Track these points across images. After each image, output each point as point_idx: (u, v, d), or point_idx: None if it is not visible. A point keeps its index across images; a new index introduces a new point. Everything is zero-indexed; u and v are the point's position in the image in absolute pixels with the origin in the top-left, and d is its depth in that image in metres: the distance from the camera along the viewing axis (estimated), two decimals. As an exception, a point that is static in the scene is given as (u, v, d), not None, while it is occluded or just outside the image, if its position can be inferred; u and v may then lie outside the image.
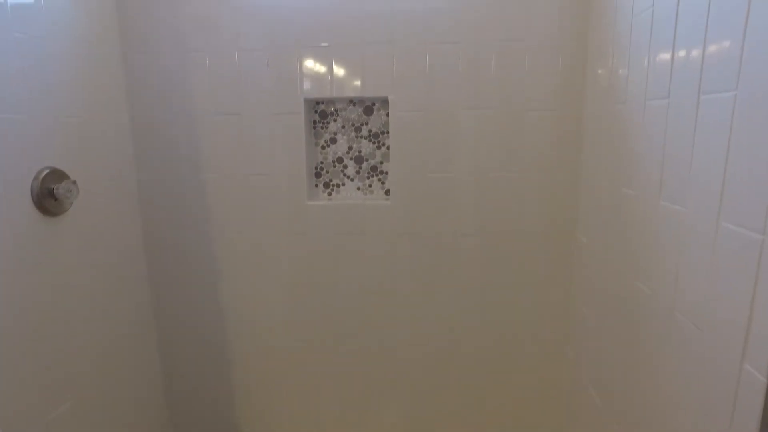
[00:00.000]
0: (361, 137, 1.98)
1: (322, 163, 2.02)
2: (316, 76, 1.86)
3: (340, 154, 2.01)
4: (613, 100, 1.50)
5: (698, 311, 1.00)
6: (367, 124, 1.97)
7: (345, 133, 1.99)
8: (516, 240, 1.89)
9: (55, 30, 1.59)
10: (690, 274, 1.03)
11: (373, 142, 1.98)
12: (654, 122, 1.22)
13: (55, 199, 1.55)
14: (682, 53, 1.08)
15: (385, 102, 1.91)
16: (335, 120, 1.98)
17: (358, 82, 1.85)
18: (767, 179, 0.79)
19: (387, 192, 2.00)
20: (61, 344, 1.60)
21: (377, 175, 2.01)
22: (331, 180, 2.03)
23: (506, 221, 1.88)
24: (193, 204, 1.98)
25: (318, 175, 2.03)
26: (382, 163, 1.99)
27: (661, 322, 1.16)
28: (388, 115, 1.89)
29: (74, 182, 1.58)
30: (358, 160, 2.00)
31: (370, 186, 2.02)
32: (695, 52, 1.02)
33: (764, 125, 0.79)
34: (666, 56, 1.15)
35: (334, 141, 2.00)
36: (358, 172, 2.01)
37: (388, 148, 1.95)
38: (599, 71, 1.63)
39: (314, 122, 1.99)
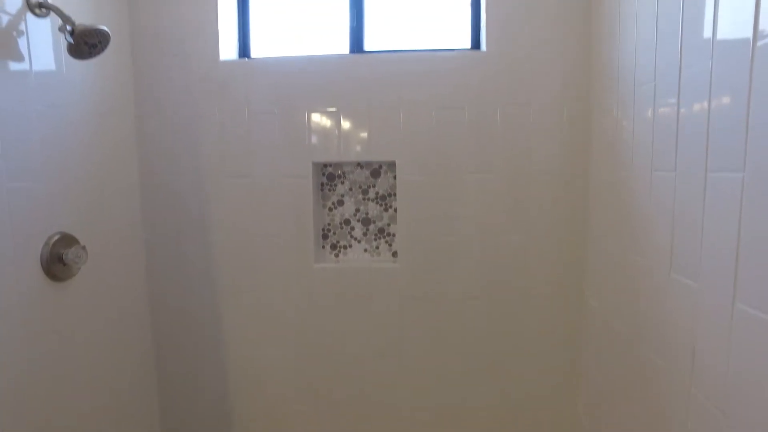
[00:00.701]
0: (369, 199, 2.01)
1: (329, 224, 2.04)
2: (324, 140, 1.90)
3: (347, 216, 2.02)
4: (619, 167, 1.52)
5: (720, 394, 0.97)
6: (374, 186, 2.00)
7: (352, 196, 2.01)
8: (523, 303, 1.88)
9: (74, 98, 1.64)
10: (708, 354, 1.02)
11: (381, 205, 2.00)
12: (661, 193, 1.23)
13: (64, 265, 1.55)
14: (686, 131, 1.11)
15: (392, 165, 1.94)
16: (343, 182, 2.01)
17: (365, 146, 1.89)
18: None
19: (394, 254, 2.00)
20: (63, 407, 1.56)
21: (384, 237, 2.01)
22: (338, 242, 2.04)
23: (513, 284, 1.87)
24: (200, 265, 1.98)
25: (325, 236, 2.04)
26: (389, 225, 2.01)
27: (679, 399, 1.13)
28: (395, 177, 1.92)
29: (83, 247, 1.59)
30: (366, 222, 2.02)
31: (377, 248, 2.02)
32: (699, 131, 1.04)
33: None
34: (671, 131, 1.18)
35: (341, 203, 2.02)
36: (365, 234, 2.02)
37: (395, 210, 1.97)
38: (605, 137, 1.66)
39: (322, 184, 2.02)
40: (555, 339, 1.89)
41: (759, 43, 0.85)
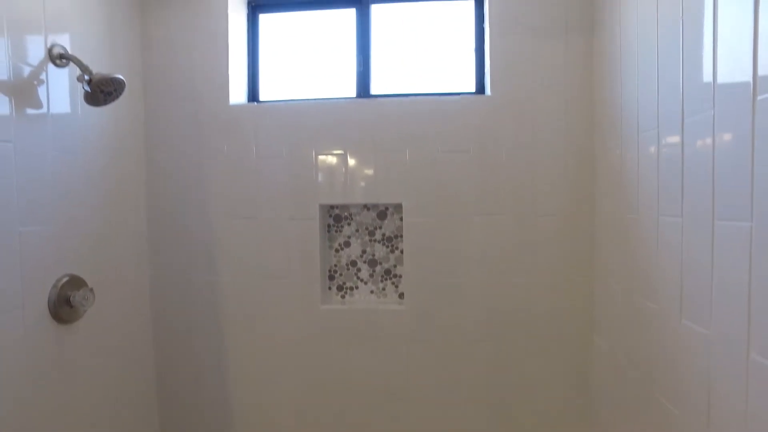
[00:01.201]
0: (375, 241, 2.01)
1: (335, 266, 2.04)
2: (331, 182, 1.92)
3: (353, 257, 2.03)
4: (624, 210, 1.53)
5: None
6: (380, 228, 2.01)
7: (359, 237, 2.02)
8: (531, 345, 1.86)
9: (87, 142, 1.68)
10: (724, 405, 1.00)
11: (387, 246, 2.01)
12: (669, 238, 1.24)
13: (71, 307, 1.55)
14: (691, 177, 1.12)
15: (398, 207, 1.96)
16: (349, 224, 2.02)
17: (372, 188, 1.91)
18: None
19: (401, 295, 1.99)
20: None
21: (391, 278, 2.01)
22: (344, 283, 2.04)
23: (520, 326, 1.85)
24: (205, 306, 1.98)
25: (332, 277, 2.04)
26: (395, 266, 2.01)
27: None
28: (401, 219, 1.93)
29: (91, 290, 1.59)
30: (372, 263, 2.02)
31: (383, 289, 2.02)
32: (705, 178, 1.05)
33: (786, 261, 0.80)
34: (676, 177, 1.19)
35: (348, 244, 2.03)
36: (371, 275, 2.02)
37: (401, 251, 1.97)
38: (610, 180, 1.68)
39: (329, 226, 2.03)
40: (563, 381, 1.85)
41: (759, 97, 0.87)
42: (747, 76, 0.90)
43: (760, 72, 0.87)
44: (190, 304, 1.98)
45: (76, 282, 1.59)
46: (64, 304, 1.54)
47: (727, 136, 0.98)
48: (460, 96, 1.90)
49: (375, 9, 2.07)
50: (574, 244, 1.83)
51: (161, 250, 2.00)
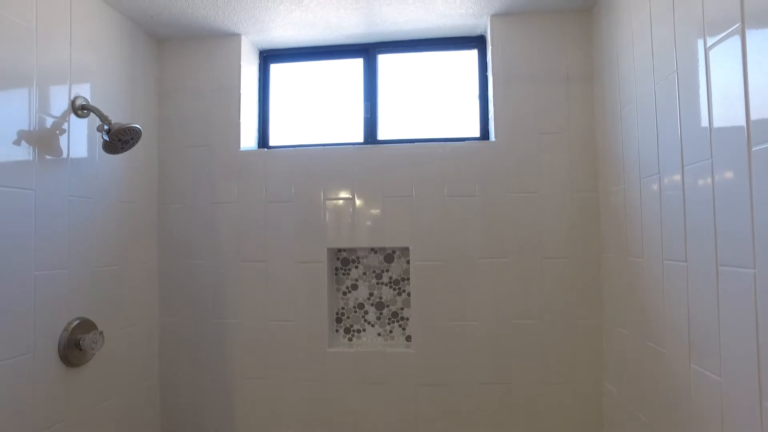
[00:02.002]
0: (382, 284, 2.03)
1: (343, 308, 2.05)
2: (339, 226, 1.96)
3: (361, 300, 2.04)
4: (629, 254, 1.54)
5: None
6: (387, 271, 2.02)
7: (366, 280, 2.04)
8: (539, 388, 1.83)
9: (102, 188, 1.73)
10: (737, 453, 0.98)
11: (394, 289, 2.02)
12: (674, 282, 1.24)
13: (80, 350, 1.56)
14: (694, 223, 1.14)
15: (405, 250, 1.98)
16: (357, 267, 2.04)
17: (379, 232, 1.94)
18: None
19: (408, 338, 1.98)
20: None
21: (398, 321, 2.01)
22: (352, 325, 2.04)
23: (528, 369, 1.84)
24: (213, 348, 1.98)
25: (339, 320, 2.04)
26: (402, 309, 2.01)
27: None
28: (408, 262, 1.95)
29: (101, 333, 1.60)
30: (379, 306, 2.02)
31: (390, 332, 2.01)
32: (707, 224, 1.07)
33: (789, 308, 0.81)
34: (678, 222, 1.21)
35: (355, 287, 2.04)
36: (378, 318, 2.02)
37: (408, 294, 1.98)
38: (614, 224, 1.70)
39: (336, 269, 2.05)
40: (573, 426, 1.81)
41: (754, 148, 0.90)
42: (741, 124, 0.94)
43: (753, 118, 0.90)
44: (199, 347, 1.99)
45: (86, 325, 1.61)
46: (74, 347, 1.55)
47: (725, 184, 1.01)
48: (465, 141, 1.95)
49: (381, 59, 2.16)
50: (581, 287, 1.83)
51: (171, 293, 2.02)
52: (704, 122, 1.09)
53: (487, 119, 2.02)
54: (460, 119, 2.10)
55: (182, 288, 2.01)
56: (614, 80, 1.65)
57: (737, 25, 0.95)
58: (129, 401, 1.84)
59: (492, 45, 1.92)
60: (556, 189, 1.86)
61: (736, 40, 0.96)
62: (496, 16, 1.91)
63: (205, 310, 1.99)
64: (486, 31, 2.00)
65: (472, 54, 2.10)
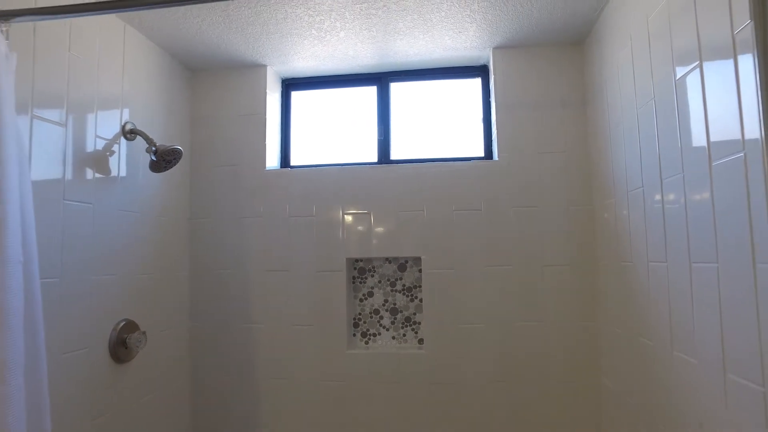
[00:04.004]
0: (396, 291, 2.20)
1: (360, 314, 2.22)
2: (356, 238, 2.14)
3: (376, 306, 2.21)
4: (621, 258, 1.72)
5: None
6: (401, 279, 2.20)
7: (381, 288, 2.21)
8: (543, 385, 1.98)
9: (143, 203, 1.92)
10: (712, 425, 1.15)
11: (407, 296, 2.19)
12: (657, 281, 1.42)
13: (126, 348, 1.74)
14: (671, 228, 1.32)
15: (417, 260, 2.16)
16: (372, 275, 2.22)
17: (393, 243, 2.12)
18: (754, 340, 0.96)
19: (420, 341, 2.15)
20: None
21: (411, 325, 2.18)
22: (368, 330, 2.21)
23: (532, 367, 1.99)
24: (240, 350, 2.15)
25: (356, 325, 2.21)
26: (415, 314, 2.18)
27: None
28: (420, 271, 2.13)
29: (144, 333, 1.78)
30: (393, 311, 2.20)
31: (404, 335, 2.18)
32: (681, 229, 1.26)
33: (744, 294, 0.99)
34: (659, 228, 1.39)
35: (371, 294, 2.22)
36: (393, 323, 2.19)
37: (420, 300, 2.15)
38: (607, 233, 1.88)
39: (354, 278, 2.23)
40: (574, 419, 1.96)
41: (714, 164, 1.09)
42: (703, 144, 1.13)
43: (712, 140, 1.10)
44: (226, 349, 2.15)
45: (131, 326, 1.78)
46: (121, 345, 1.72)
47: (693, 193, 1.20)
48: (471, 161, 2.15)
49: (393, 86, 2.37)
50: (580, 291, 2.00)
51: (201, 299, 2.20)
52: (677, 142, 1.28)
53: (491, 140, 2.22)
54: (466, 141, 2.30)
55: (211, 295, 2.19)
56: (603, 106, 1.85)
57: (696, 62, 1.15)
58: (164, 397, 2.00)
59: (494, 74, 2.14)
60: (555, 203, 2.04)
61: (696, 74, 1.16)
62: (497, 49, 2.13)
63: (233, 315, 2.17)
64: (488, 62, 2.21)
65: (476, 82, 2.31)
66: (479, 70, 2.29)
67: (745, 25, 0.96)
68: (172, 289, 2.10)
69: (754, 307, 0.96)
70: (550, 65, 2.10)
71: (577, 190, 2.04)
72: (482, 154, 2.25)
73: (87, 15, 1.25)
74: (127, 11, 1.67)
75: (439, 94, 2.38)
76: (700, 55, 1.14)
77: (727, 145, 1.05)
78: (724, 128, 1.06)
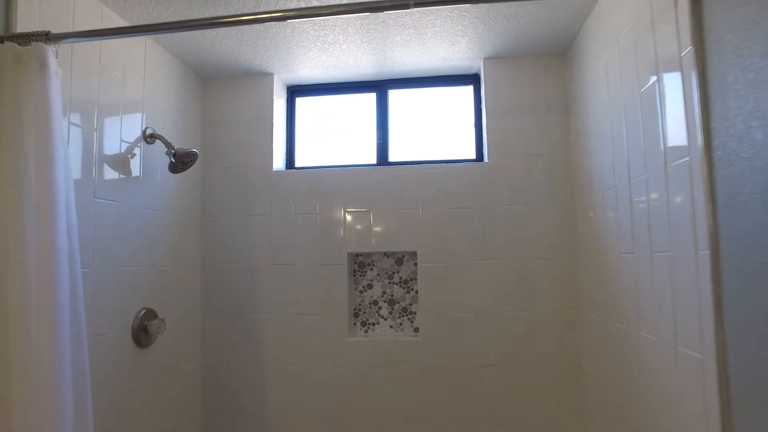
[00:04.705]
0: (394, 283, 2.37)
1: (360, 305, 2.38)
2: (356, 234, 2.31)
3: (375, 297, 2.38)
4: (598, 251, 1.89)
5: (681, 423, 1.26)
6: (398, 272, 2.37)
7: (380, 280, 2.38)
8: (529, 369, 2.15)
9: (161, 201, 2.09)
10: (673, 397, 1.32)
11: (404, 288, 2.36)
12: (626, 270, 1.59)
13: (147, 334, 1.90)
14: (637, 223, 1.50)
15: (413, 254, 2.33)
16: (372, 269, 2.39)
17: (391, 239, 2.29)
18: (696, 315, 1.13)
19: (416, 329, 2.32)
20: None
21: (407, 315, 2.35)
22: (367, 319, 2.37)
23: (520, 353, 2.16)
24: (248, 338, 2.31)
25: (356, 315, 2.38)
26: (411, 304, 2.35)
27: (654, 428, 1.41)
28: (416, 265, 2.29)
29: (163, 320, 1.94)
30: (391, 302, 2.36)
31: (401, 324, 2.35)
32: (644, 222, 1.43)
33: (689, 277, 1.16)
34: (628, 223, 1.57)
35: (370, 287, 2.38)
36: (390, 313, 2.36)
37: (416, 292, 2.32)
38: (586, 229, 2.05)
39: (354, 271, 2.40)
40: (558, 401, 2.13)
41: (669, 165, 1.26)
42: (661, 148, 1.30)
43: (668, 145, 1.27)
44: (236, 337, 2.32)
45: (151, 314, 1.95)
46: (142, 331, 1.89)
47: (654, 191, 1.37)
48: (463, 163, 2.33)
49: (391, 93, 2.54)
50: (563, 282, 2.17)
51: (213, 290, 2.36)
52: (642, 147, 1.45)
53: (482, 144, 2.39)
54: (458, 144, 2.47)
55: (222, 287, 2.36)
56: (583, 112, 2.02)
57: (655, 77, 1.33)
58: (179, 380, 2.16)
59: (485, 82, 2.31)
60: (540, 202, 2.21)
61: (656, 87, 1.33)
62: (488, 59, 2.30)
63: (242, 305, 2.33)
64: (480, 71, 2.38)
65: (468, 89, 2.48)
66: (471, 79, 2.47)
67: (688, 50, 1.14)
68: (186, 281, 2.26)
69: (696, 286, 1.14)
70: (536, 74, 2.28)
71: (560, 190, 2.21)
72: (474, 157, 2.42)
73: (120, 37, 1.42)
74: (151, 34, 1.83)
75: (434, 101, 2.55)
76: (658, 70, 1.31)
77: (679, 150, 1.22)
78: (676, 135, 1.23)
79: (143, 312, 1.91)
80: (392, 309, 2.37)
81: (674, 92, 1.23)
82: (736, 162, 0.99)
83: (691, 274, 1.16)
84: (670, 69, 1.25)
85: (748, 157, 0.95)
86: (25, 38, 1.23)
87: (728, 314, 1.04)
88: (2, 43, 1.23)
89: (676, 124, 1.22)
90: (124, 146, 1.86)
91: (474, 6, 1.83)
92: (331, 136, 2.60)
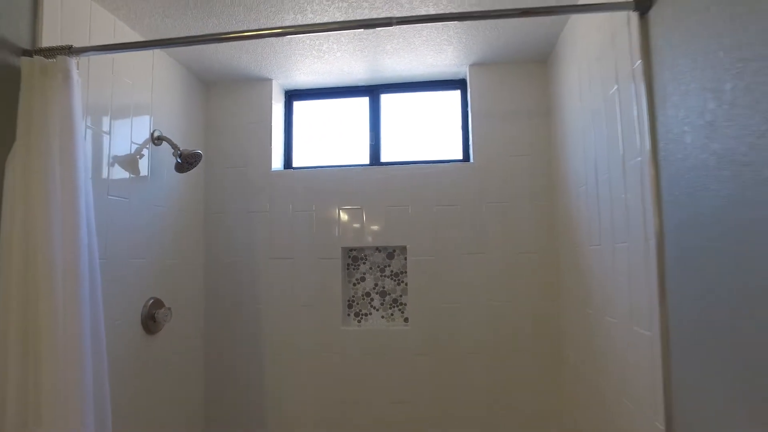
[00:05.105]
0: (385, 276, 2.52)
1: (353, 296, 2.53)
2: (350, 230, 2.46)
3: (368, 289, 2.53)
4: (573, 244, 2.04)
5: (642, 397, 1.42)
6: (389, 266, 2.52)
7: (372, 273, 2.53)
8: (513, 356, 2.30)
9: (167, 199, 2.23)
10: (631, 372, 1.47)
11: (395, 280, 2.51)
12: (595, 261, 1.75)
13: (155, 321, 2.05)
14: (602, 217, 1.65)
15: (403, 249, 2.48)
16: (364, 263, 2.54)
17: (382, 234, 2.44)
18: (646, 298, 1.28)
19: (406, 319, 2.47)
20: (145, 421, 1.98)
21: (398, 306, 2.50)
22: (360, 310, 2.52)
23: (504, 341, 2.31)
24: (249, 327, 2.46)
25: (350, 306, 2.53)
26: (401, 296, 2.50)
27: (619, 405, 1.56)
28: (406, 259, 2.44)
29: (169, 309, 2.09)
30: (382, 294, 2.51)
31: (392, 315, 2.50)
32: (608, 217, 1.58)
33: (640, 263, 1.32)
34: (595, 217, 1.72)
35: (363, 279, 2.53)
36: (382, 304, 2.51)
37: (406, 284, 2.47)
38: (563, 223, 2.20)
39: (348, 265, 2.55)
40: (540, 385, 2.28)
41: (627, 163, 1.42)
42: (621, 151, 1.45)
43: (623, 147, 1.42)
44: (237, 326, 2.47)
45: (158, 303, 2.10)
46: (150, 319, 2.04)
47: (613, 188, 1.52)
48: (450, 163, 2.48)
49: (383, 97, 2.69)
50: (544, 273, 2.32)
51: (215, 282, 2.51)
52: (606, 149, 1.60)
53: (468, 145, 2.54)
54: (446, 145, 2.62)
55: (224, 279, 2.51)
56: (561, 116, 2.17)
57: (616, 86, 1.48)
58: (184, 366, 2.31)
59: (470, 88, 2.46)
60: (522, 199, 2.36)
61: (617, 94, 1.48)
62: (473, 66, 2.45)
63: (242, 297, 2.48)
64: (466, 77, 2.53)
65: (456, 94, 2.64)
66: (458, 84, 2.62)
67: (637, 63, 1.29)
68: (190, 273, 2.41)
69: (646, 272, 1.29)
70: (518, 80, 2.43)
71: (541, 188, 2.36)
72: (461, 157, 2.57)
73: (134, 51, 1.57)
74: (163, 48, 1.96)
75: (424, 105, 2.70)
76: (618, 80, 1.47)
77: (633, 152, 1.37)
78: (631, 139, 1.38)
79: (151, 301, 2.06)
80: (384, 300, 2.52)
81: (629, 100, 1.38)
82: (673, 162, 1.14)
83: (642, 261, 1.32)
84: (625, 79, 1.40)
85: (681, 158, 1.10)
86: (51, 52, 1.38)
87: (670, 296, 1.20)
88: (32, 56, 1.38)
89: (632, 129, 1.37)
90: (134, 147, 2.01)
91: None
92: (327, 137, 2.75)
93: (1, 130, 1.37)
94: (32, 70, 1.36)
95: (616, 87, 1.49)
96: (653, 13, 1.23)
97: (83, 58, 1.63)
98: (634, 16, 1.30)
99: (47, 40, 1.48)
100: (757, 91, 0.84)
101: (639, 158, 1.32)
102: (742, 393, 0.91)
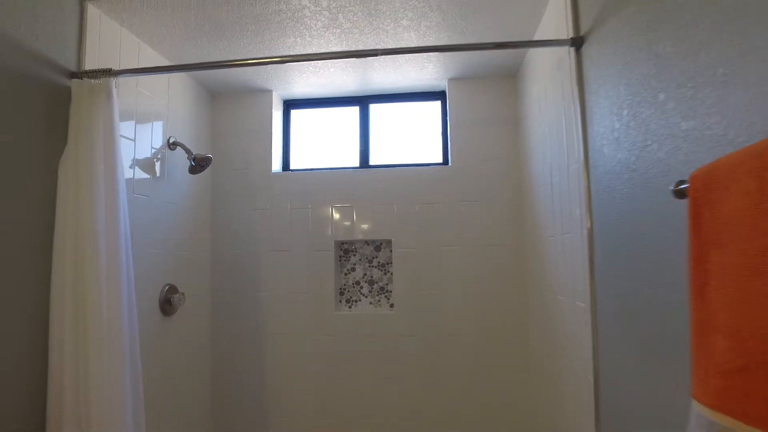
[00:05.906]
0: (373, 267, 2.82)
1: (344, 285, 2.83)
2: (342, 226, 2.76)
3: (357, 278, 2.83)
4: (535, 237, 2.36)
5: (577, 356, 1.73)
6: (377, 257, 2.82)
7: (361, 264, 2.83)
8: (487, 337, 2.61)
9: (180, 196, 2.52)
10: (572, 339, 1.79)
11: (381, 270, 2.81)
12: (550, 249, 2.06)
13: (170, 305, 2.33)
14: (555, 211, 1.96)
15: (389, 242, 2.78)
16: (354, 255, 2.84)
17: (370, 229, 2.74)
18: (583, 277, 1.60)
19: (392, 305, 2.77)
20: (162, 392, 2.25)
21: (384, 293, 2.80)
22: (351, 297, 2.82)
23: (480, 324, 2.62)
24: (250, 313, 2.75)
25: (342, 293, 2.83)
26: (387, 284, 2.80)
27: (567, 375, 1.87)
28: (391, 251, 2.75)
29: (183, 294, 2.38)
30: (371, 282, 2.82)
31: (379, 301, 2.80)
32: (560, 212, 1.90)
33: (574, 247, 1.63)
34: (550, 211, 2.03)
35: (353, 269, 2.83)
36: (370, 291, 2.81)
37: (392, 274, 2.77)
38: (528, 219, 2.52)
39: (340, 256, 2.85)
40: (510, 360, 2.59)
41: (570, 167, 1.73)
42: (565, 156, 1.77)
43: (567, 155, 1.73)
44: (239, 312, 2.76)
45: (173, 289, 2.38)
46: (167, 303, 2.32)
47: (563, 185, 1.84)
48: (431, 166, 2.79)
49: (372, 107, 2.99)
50: (513, 264, 2.63)
51: (221, 272, 2.80)
52: (557, 155, 1.91)
53: (447, 150, 2.85)
54: (428, 150, 2.93)
55: (228, 269, 2.79)
56: (527, 125, 2.49)
57: (564, 104, 1.79)
58: (194, 345, 2.60)
59: (449, 99, 2.77)
60: (493, 197, 2.68)
61: (562, 110, 1.80)
62: (452, 80, 2.76)
63: (244, 285, 2.77)
64: (446, 89, 2.85)
65: (436, 104, 2.95)
66: (438, 95, 2.93)
67: (575, 87, 1.61)
68: (199, 263, 2.70)
69: (582, 256, 1.60)
70: (492, 92, 2.75)
71: (510, 188, 2.68)
72: (440, 161, 2.88)
73: (162, 73, 1.86)
74: (185, 71, 2.24)
75: (408, 114, 3.01)
76: (564, 99, 1.78)
77: (575, 159, 1.68)
78: (573, 147, 1.70)
79: (167, 287, 2.34)
80: (372, 288, 2.82)
81: (571, 116, 1.70)
82: (597, 168, 1.46)
83: (580, 248, 1.63)
84: (568, 99, 1.72)
85: (602, 165, 1.42)
86: (96, 74, 1.66)
87: (597, 274, 1.51)
88: (81, 78, 1.66)
89: (573, 140, 1.69)
90: (152, 151, 2.29)
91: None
92: (321, 143, 3.05)
93: (54, 138, 1.65)
94: (81, 90, 1.64)
95: (563, 104, 1.80)
96: (585, 50, 1.55)
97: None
98: (572, 50, 1.62)
99: (89, 63, 1.76)
100: (639, 117, 1.15)
101: (576, 165, 1.64)
102: (649, 346, 1.23)
